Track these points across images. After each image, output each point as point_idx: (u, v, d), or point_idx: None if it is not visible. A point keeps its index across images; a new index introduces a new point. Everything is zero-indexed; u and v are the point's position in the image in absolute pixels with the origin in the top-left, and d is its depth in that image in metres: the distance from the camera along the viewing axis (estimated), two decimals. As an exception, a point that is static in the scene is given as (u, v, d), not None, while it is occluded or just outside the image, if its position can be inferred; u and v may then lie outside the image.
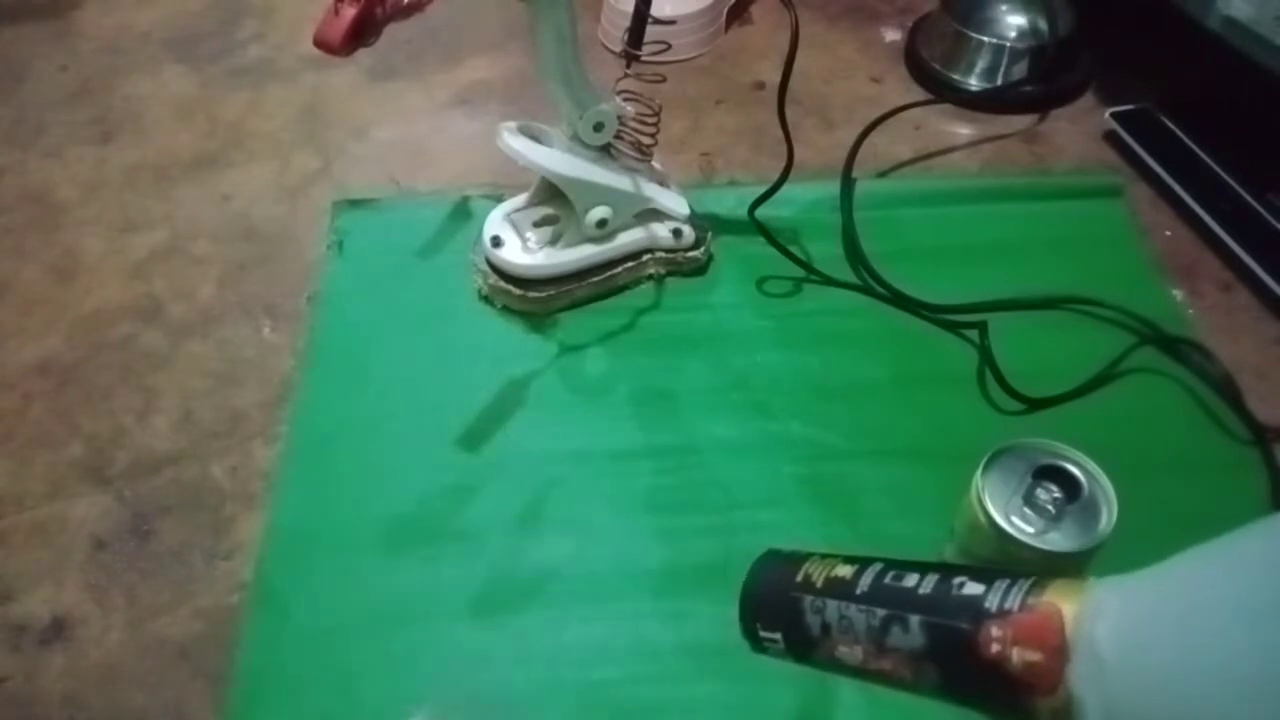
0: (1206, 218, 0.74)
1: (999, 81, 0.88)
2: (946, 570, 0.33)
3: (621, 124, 0.65)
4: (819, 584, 0.36)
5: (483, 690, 0.52)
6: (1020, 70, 0.88)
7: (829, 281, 0.72)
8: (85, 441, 0.65)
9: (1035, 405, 0.63)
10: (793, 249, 0.72)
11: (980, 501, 0.46)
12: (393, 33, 0.53)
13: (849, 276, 0.73)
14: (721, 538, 0.57)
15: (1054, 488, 0.46)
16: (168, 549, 0.59)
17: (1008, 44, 0.87)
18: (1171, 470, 0.58)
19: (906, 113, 0.85)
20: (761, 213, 0.71)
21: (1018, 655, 0.29)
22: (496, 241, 0.69)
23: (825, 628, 0.35)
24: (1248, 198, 0.75)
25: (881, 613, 0.33)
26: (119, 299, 0.75)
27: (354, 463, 0.62)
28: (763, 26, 1.00)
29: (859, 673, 0.35)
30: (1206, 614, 0.26)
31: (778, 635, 0.37)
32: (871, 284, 0.72)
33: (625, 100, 0.65)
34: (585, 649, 0.54)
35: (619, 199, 0.68)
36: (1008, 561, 0.45)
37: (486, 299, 0.71)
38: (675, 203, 0.71)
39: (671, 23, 0.73)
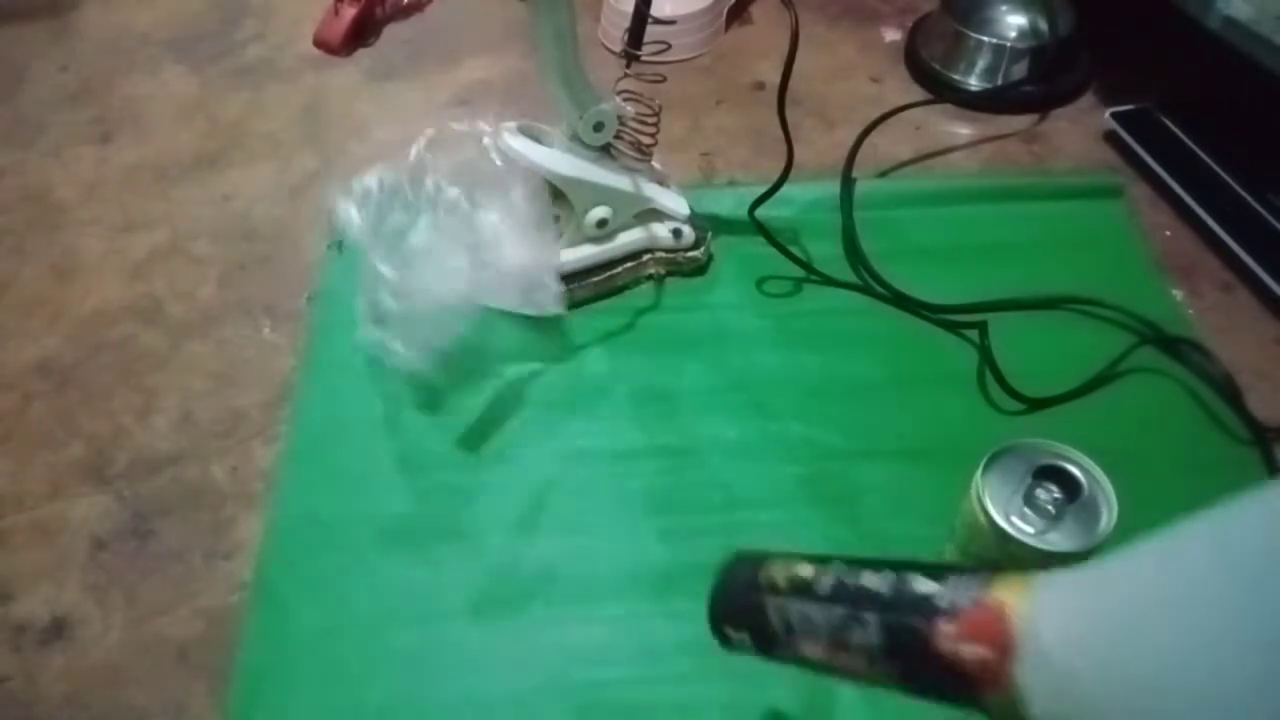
0: (1207, 218, 0.74)
1: (999, 81, 0.88)
2: (903, 568, 0.34)
3: (621, 124, 0.65)
4: (782, 585, 0.37)
5: (482, 690, 0.52)
6: (1020, 70, 0.88)
7: (829, 281, 0.72)
8: (85, 442, 0.65)
9: (1035, 405, 0.63)
10: (793, 249, 0.72)
11: (980, 502, 0.46)
12: (392, 33, 0.53)
13: (849, 276, 0.73)
14: (721, 538, 0.57)
15: (1054, 488, 0.46)
16: (168, 549, 0.59)
17: (1008, 44, 0.87)
18: (1172, 470, 0.58)
19: (906, 113, 0.85)
20: (761, 213, 0.71)
21: (968, 651, 0.30)
22: (496, 241, 0.69)
23: (789, 627, 0.36)
24: (1248, 198, 0.75)
25: (840, 612, 0.34)
26: (119, 299, 0.75)
27: (354, 463, 0.62)
28: (763, 26, 1.00)
29: (823, 668, 0.36)
30: (1149, 613, 0.26)
31: (745, 635, 0.38)
32: (871, 284, 0.72)
33: (625, 100, 0.65)
34: (585, 649, 0.53)
35: (619, 199, 0.68)
36: (1008, 561, 0.45)
37: (486, 299, 0.71)
38: (675, 203, 0.71)
39: (671, 23, 0.73)
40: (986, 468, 0.47)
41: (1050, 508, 0.45)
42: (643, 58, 0.65)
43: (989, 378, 0.65)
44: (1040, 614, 0.28)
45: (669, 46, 0.67)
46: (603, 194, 0.67)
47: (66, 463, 0.64)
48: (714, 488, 0.60)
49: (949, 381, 0.66)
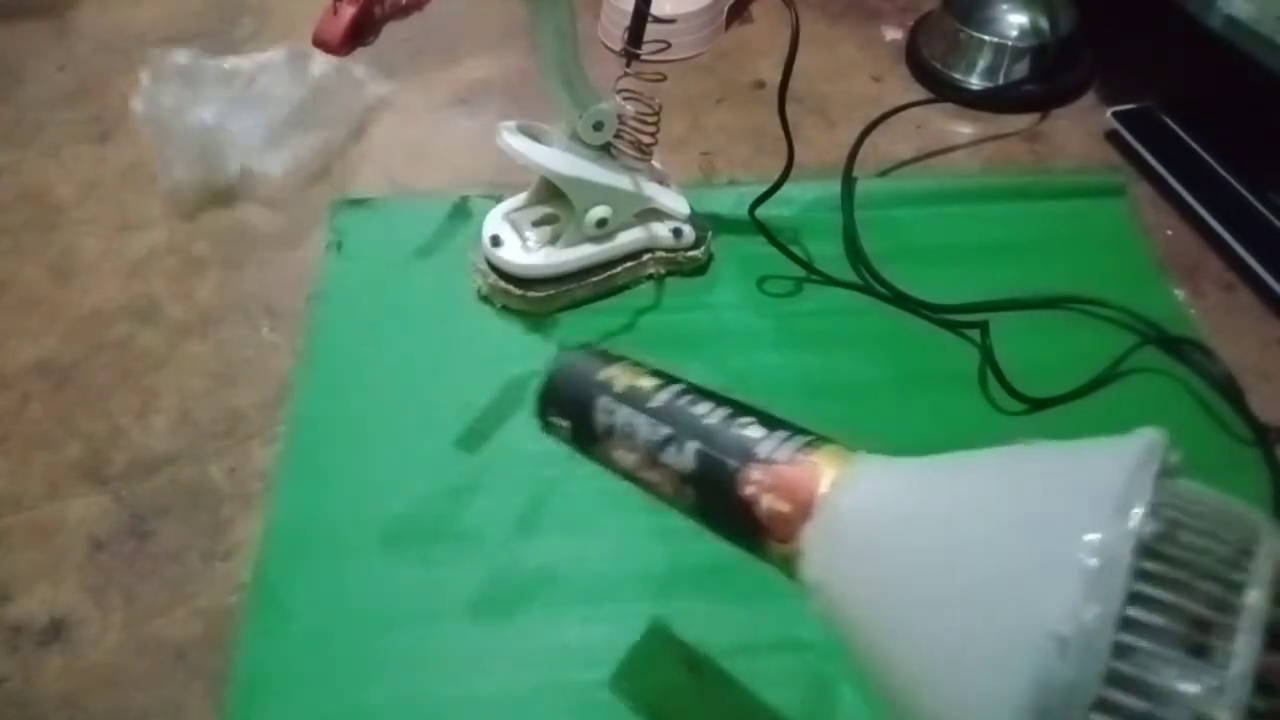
0: (1208, 217, 0.74)
1: (1000, 80, 0.88)
2: (740, 409, 0.35)
3: (621, 123, 0.65)
4: (618, 388, 0.37)
5: (482, 690, 0.52)
6: (1021, 69, 0.88)
7: (829, 281, 0.72)
8: (83, 442, 0.65)
9: (1037, 405, 0.63)
10: (793, 248, 0.72)
11: (982, 502, 0.45)
12: (392, 32, 0.53)
13: (850, 276, 0.73)
14: (722, 538, 0.57)
15: (1056, 488, 0.46)
16: (166, 550, 0.59)
17: (1009, 43, 0.87)
18: (1173, 470, 0.58)
19: (907, 112, 0.85)
20: (762, 212, 0.71)
21: (768, 501, 0.31)
22: (496, 241, 0.69)
23: (610, 429, 0.37)
24: (1250, 197, 0.75)
25: (665, 430, 0.35)
26: (117, 299, 0.74)
27: (353, 463, 0.62)
28: (763, 25, 1.00)
29: (627, 476, 0.37)
30: (915, 517, 0.28)
31: (567, 424, 0.39)
32: (872, 284, 0.72)
33: (625, 99, 0.65)
34: (585, 649, 0.53)
35: (619, 198, 0.68)
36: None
37: (486, 299, 0.71)
38: (675, 202, 0.71)
39: (672, 21, 0.73)
40: (988, 468, 0.47)
41: (1052, 508, 0.45)
42: (643, 56, 0.64)
43: (990, 378, 0.65)
44: (845, 492, 0.30)
45: (669, 45, 0.67)
46: (603, 193, 0.67)
47: (64, 463, 0.64)
48: (714, 488, 0.60)
49: (950, 381, 0.65)
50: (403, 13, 0.98)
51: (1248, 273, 0.72)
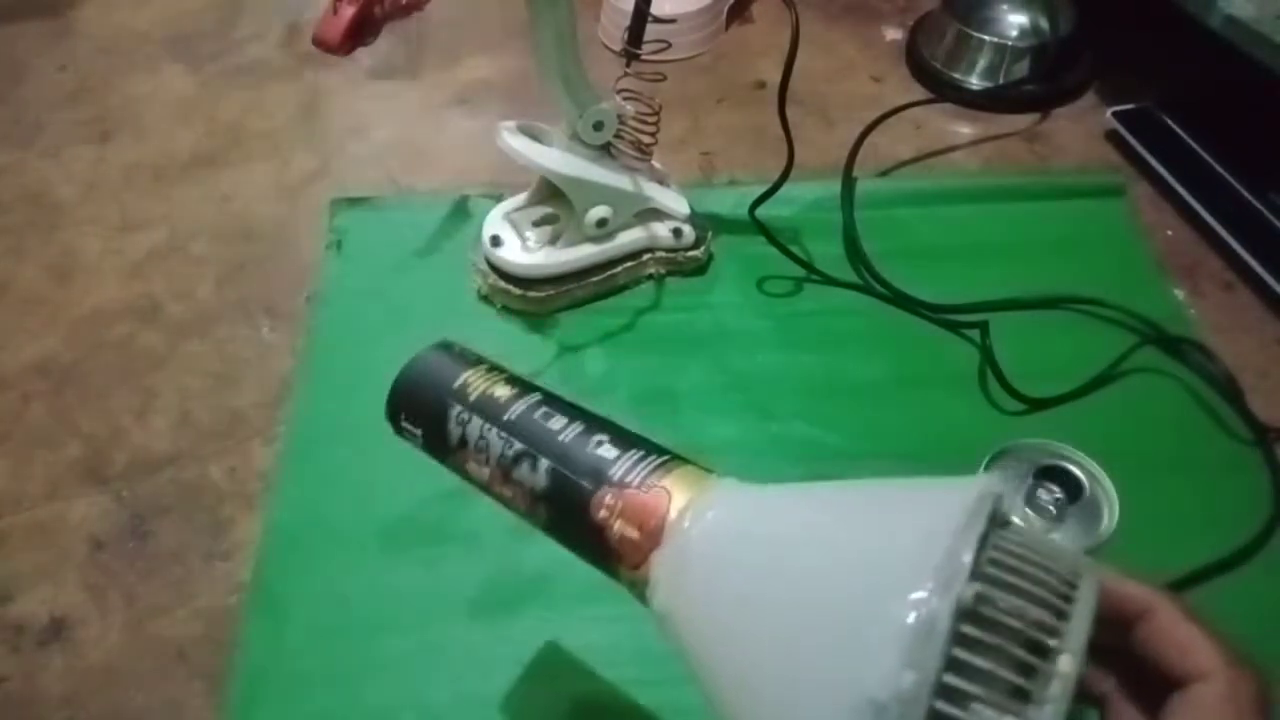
0: (1208, 217, 0.74)
1: (1000, 80, 0.88)
2: (595, 424, 0.34)
3: (621, 123, 0.65)
4: (473, 398, 0.37)
5: (482, 690, 0.52)
6: (1021, 69, 0.88)
7: (829, 281, 0.72)
8: (84, 442, 0.65)
9: (1036, 405, 0.63)
10: (793, 248, 0.72)
11: (982, 502, 0.45)
12: (392, 31, 0.53)
13: (849, 276, 0.73)
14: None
15: (1055, 488, 0.46)
16: (166, 549, 0.59)
17: (1009, 43, 0.87)
18: (1173, 470, 0.58)
19: (907, 112, 0.85)
20: (762, 212, 0.71)
21: (619, 527, 0.31)
22: (496, 241, 0.69)
23: (463, 441, 0.36)
24: (1249, 197, 0.74)
25: (518, 446, 0.35)
26: (117, 299, 0.74)
27: (353, 463, 0.62)
28: (763, 25, 1.00)
29: (481, 488, 0.37)
30: (767, 551, 0.28)
31: (419, 432, 0.38)
32: (872, 284, 0.72)
33: (625, 99, 0.65)
34: (585, 649, 0.53)
35: (619, 198, 0.68)
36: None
37: (486, 299, 0.71)
38: (675, 202, 0.71)
39: (672, 21, 0.73)
40: (988, 468, 0.47)
41: (1052, 508, 0.45)
42: (643, 57, 0.64)
43: (990, 377, 0.65)
44: (693, 521, 0.30)
45: (669, 45, 0.67)
46: (603, 193, 0.67)
47: (65, 463, 0.64)
48: (714, 488, 0.60)
49: (950, 381, 0.65)
50: (403, 12, 0.98)
51: (1247, 272, 0.71)
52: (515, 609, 0.55)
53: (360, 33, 0.50)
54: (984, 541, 0.24)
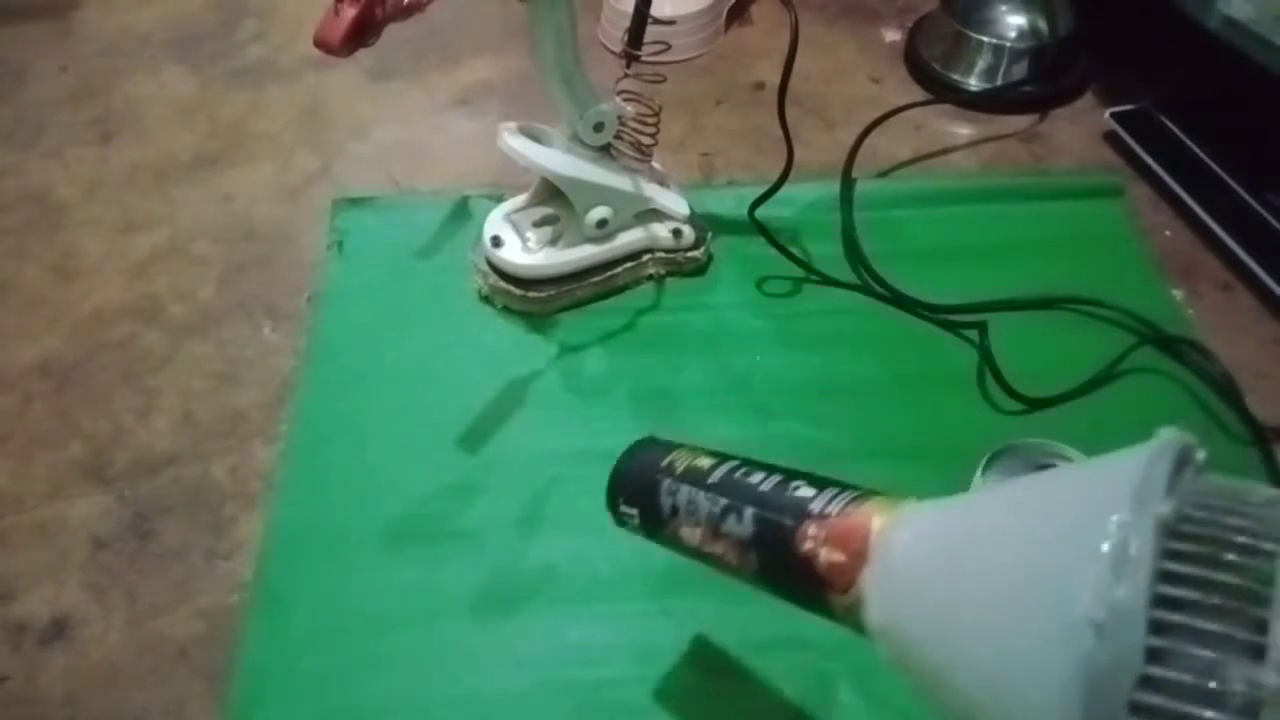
0: (1206, 218, 0.74)
1: (999, 82, 0.88)
2: (791, 474, 0.37)
3: (621, 124, 0.65)
4: (679, 470, 0.40)
5: (482, 690, 0.52)
6: (1020, 70, 0.88)
7: (829, 282, 0.72)
8: (85, 441, 0.65)
9: (1035, 405, 0.63)
10: (793, 249, 0.72)
11: (980, 501, 0.46)
12: (393, 33, 0.53)
13: (849, 277, 0.73)
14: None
15: (1054, 487, 0.46)
16: (168, 549, 0.60)
17: (1007, 44, 0.88)
18: (1171, 470, 0.58)
19: (906, 113, 0.85)
20: (761, 213, 0.71)
21: (825, 554, 0.33)
22: (496, 241, 0.69)
23: (674, 509, 0.39)
24: (1248, 198, 0.75)
25: (723, 501, 0.37)
26: (119, 299, 0.75)
27: (354, 463, 0.62)
28: (762, 27, 1.00)
29: (695, 554, 0.39)
30: (970, 537, 0.29)
31: (635, 511, 0.42)
32: (871, 284, 0.72)
33: (625, 100, 0.65)
34: (585, 649, 0.54)
35: (619, 199, 0.68)
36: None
37: (486, 299, 0.71)
38: (675, 203, 0.72)
39: (671, 23, 0.73)
40: (987, 468, 0.47)
41: (1050, 507, 0.45)
42: (643, 58, 0.65)
43: (989, 378, 0.65)
44: (895, 533, 0.31)
45: (669, 47, 0.67)
46: (603, 194, 0.67)
47: (67, 462, 0.64)
48: (714, 488, 0.60)
49: (949, 381, 0.66)
50: (404, 14, 0.98)
51: (1245, 273, 0.72)
52: (515, 608, 0.55)
53: (361, 34, 0.50)
54: (1179, 474, 0.25)
